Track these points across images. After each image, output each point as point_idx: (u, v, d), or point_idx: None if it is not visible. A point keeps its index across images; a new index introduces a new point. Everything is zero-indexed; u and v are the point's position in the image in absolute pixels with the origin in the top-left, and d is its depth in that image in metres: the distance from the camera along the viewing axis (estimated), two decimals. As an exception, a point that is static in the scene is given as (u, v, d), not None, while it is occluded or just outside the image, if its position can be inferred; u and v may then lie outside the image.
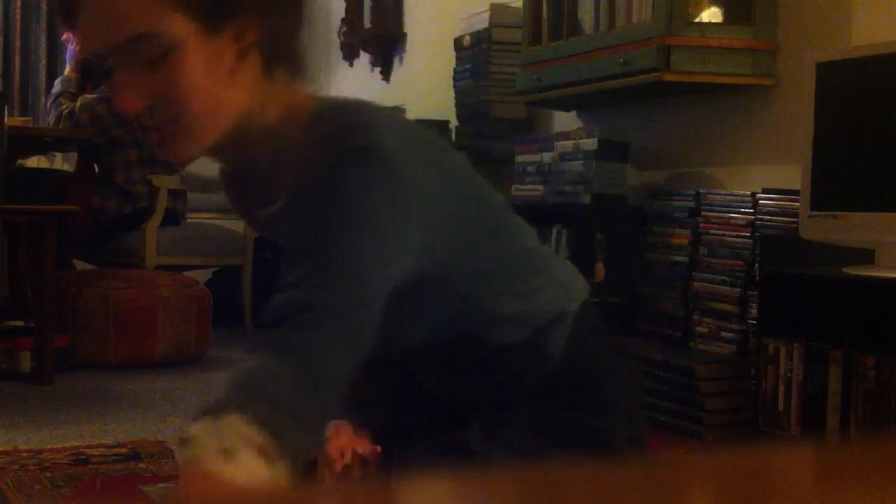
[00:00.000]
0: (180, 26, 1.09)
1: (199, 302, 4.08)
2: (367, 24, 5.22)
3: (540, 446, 1.25)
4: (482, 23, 3.82)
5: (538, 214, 2.87)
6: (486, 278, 1.30)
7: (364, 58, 5.39)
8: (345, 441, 1.31)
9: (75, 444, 2.65)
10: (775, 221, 2.68)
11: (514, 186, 3.48)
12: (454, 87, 4.00)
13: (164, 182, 4.26)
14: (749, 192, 2.79)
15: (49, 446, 2.62)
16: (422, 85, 4.83)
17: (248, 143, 1.19)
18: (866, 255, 2.54)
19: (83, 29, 1.11)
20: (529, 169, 3.43)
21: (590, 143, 3.18)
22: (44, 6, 5.45)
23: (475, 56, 3.88)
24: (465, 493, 0.45)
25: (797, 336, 2.45)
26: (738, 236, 2.78)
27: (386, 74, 5.20)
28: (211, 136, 1.16)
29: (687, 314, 2.91)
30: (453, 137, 4.05)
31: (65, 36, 4.53)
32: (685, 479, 0.47)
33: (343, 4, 5.51)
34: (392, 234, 1.10)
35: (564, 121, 3.76)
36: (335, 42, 5.70)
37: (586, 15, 3.16)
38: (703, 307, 2.86)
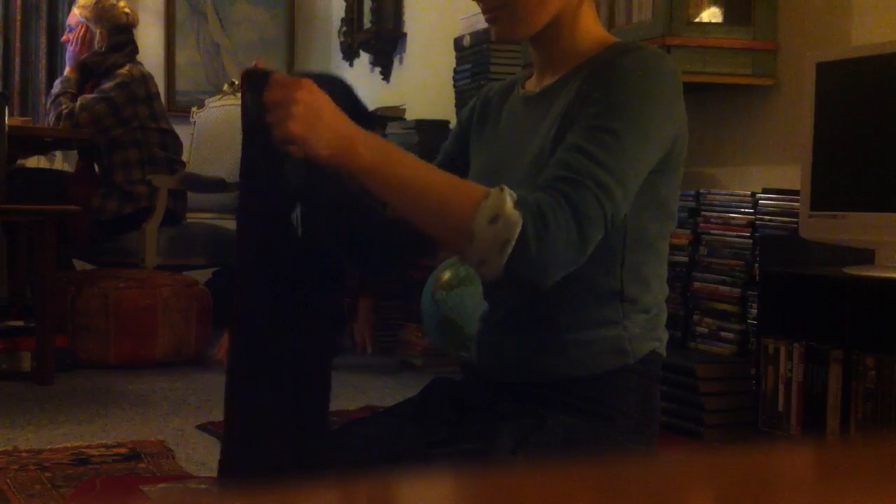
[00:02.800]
0: None
1: (199, 302, 4.08)
2: (367, 24, 5.22)
3: (562, 457, 1.25)
4: (482, 23, 3.80)
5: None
6: (642, 248, 1.34)
7: (364, 58, 5.39)
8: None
9: (75, 444, 2.65)
10: (775, 221, 2.68)
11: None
12: (454, 87, 4.00)
13: (164, 182, 4.26)
14: (749, 192, 2.79)
15: (49, 446, 2.62)
16: (422, 85, 4.83)
17: (559, 42, 1.38)
18: (866, 255, 2.54)
19: None
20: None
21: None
22: (44, 6, 5.45)
23: (475, 56, 3.88)
24: (466, 493, 0.45)
25: (797, 336, 2.45)
26: (738, 236, 2.78)
27: (386, 74, 5.20)
28: (533, 25, 1.35)
29: (687, 314, 2.91)
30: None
31: (64, 37, 4.53)
32: (685, 479, 0.48)
33: (343, 4, 5.51)
34: (660, 120, 1.27)
35: (564, 121, 3.76)
36: (335, 42, 5.70)
37: (586, 15, 3.16)
38: (703, 307, 2.87)
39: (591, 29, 1.39)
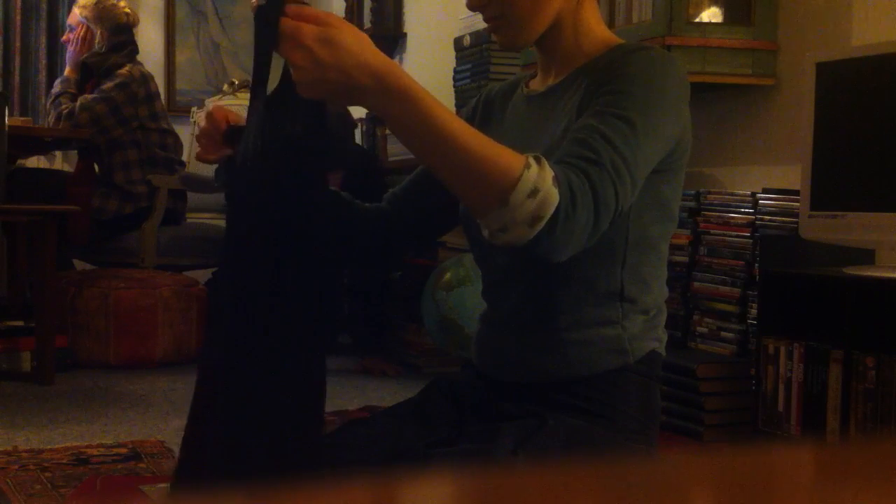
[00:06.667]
0: None
1: (199, 302, 4.09)
2: (367, 24, 5.23)
3: (563, 457, 1.25)
4: (482, 23, 3.81)
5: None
6: (643, 249, 1.33)
7: (364, 58, 5.38)
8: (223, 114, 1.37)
9: (75, 444, 2.65)
10: (775, 221, 2.68)
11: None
12: (454, 87, 4.00)
13: (164, 182, 4.26)
14: (749, 192, 2.79)
15: (49, 446, 2.62)
16: (422, 85, 4.83)
17: (560, 44, 1.38)
18: (866, 255, 2.54)
19: None
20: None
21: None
22: (44, 6, 5.45)
23: (475, 56, 3.88)
24: (467, 493, 0.45)
25: (797, 336, 2.45)
26: (738, 236, 2.78)
27: (386, 74, 5.19)
28: (533, 32, 1.35)
29: (687, 314, 2.91)
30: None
31: (64, 37, 4.53)
32: (685, 479, 0.48)
33: (343, 4, 5.51)
34: (667, 118, 1.27)
35: (564, 121, 3.76)
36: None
37: (586, 15, 3.16)
38: (703, 307, 2.87)
39: (594, 29, 1.39)
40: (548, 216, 1.11)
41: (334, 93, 1.10)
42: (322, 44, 1.07)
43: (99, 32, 4.30)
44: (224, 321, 1.26)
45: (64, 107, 4.19)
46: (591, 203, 1.14)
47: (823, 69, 2.44)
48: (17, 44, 5.38)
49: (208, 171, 4.60)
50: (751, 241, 2.73)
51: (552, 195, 1.11)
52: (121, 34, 4.30)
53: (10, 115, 4.89)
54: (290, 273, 1.21)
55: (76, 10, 4.37)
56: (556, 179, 1.12)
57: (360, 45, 1.09)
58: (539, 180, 1.10)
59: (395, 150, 4.37)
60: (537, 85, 1.44)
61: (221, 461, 1.25)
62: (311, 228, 1.22)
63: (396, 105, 1.11)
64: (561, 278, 1.31)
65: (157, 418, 3.01)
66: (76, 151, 4.52)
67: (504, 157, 1.12)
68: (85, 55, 4.29)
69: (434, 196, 1.44)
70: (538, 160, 1.12)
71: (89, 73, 4.26)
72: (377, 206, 1.50)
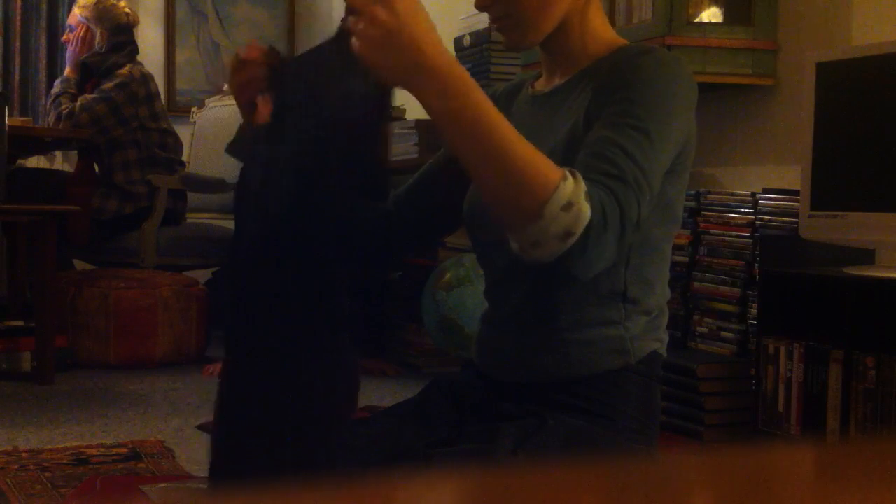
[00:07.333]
0: None
1: (199, 302, 4.08)
2: (367, 24, 5.22)
3: (563, 458, 1.25)
4: (482, 23, 3.82)
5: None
6: (647, 250, 1.34)
7: (364, 58, 5.38)
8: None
9: (75, 444, 2.65)
10: (775, 221, 2.68)
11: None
12: (454, 87, 4.00)
13: (164, 182, 4.26)
14: (749, 192, 2.79)
15: (49, 446, 2.62)
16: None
17: (566, 45, 1.38)
18: (866, 255, 2.54)
19: None
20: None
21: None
22: (44, 6, 5.45)
23: (475, 56, 3.88)
24: (467, 493, 0.45)
25: (797, 336, 2.45)
26: (738, 236, 2.78)
27: (386, 74, 5.19)
28: (540, 33, 1.35)
29: (687, 314, 2.91)
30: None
31: (65, 37, 4.53)
32: (685, 479, 0.48)
33: (343, 4, 5.51)
34: (677, 123, 1.27)
35: (564, 121, 3.76)
36: (335, 42, 5.70)
37: (586, 15, 3.16)
38: (703, 307, 2.87)
39: (599, 30, 1.39)
40: (579, 232, 1.11)
41: (398, 64, 1.09)
42: (413, 9, 1.08)
43: (99, 32, 4.30)
44: (224, 321, 1.26)
45: (64, 107, 4.18)
46: (618, 220, 1.15)
47: (823, 69, 2.44)
48: (17, 44, 5.37)
49: (208, 171, 4.61)
50: (751, 241, 2.73)
51: (585, 210, 1.11)
52: (121, 34, 4.30)
53: (10, 115, 4.89)
54: (290, 273, 1.21)
55: (76, 10, 4.37)
56: (588, 196, 1.12)
57: (433, 25, 1.10)
58: (573, 194, 1.11)
59: (397, 150, 4.37)
60: (542, 85, 1.44)
61: (222, 461, 1.25)
62: (312, 228, 1.22)
63: (459, 96, 1.11)
64: (563, 279, 1.31)
65: (157, 418, 3.01)
66: (76, 151, 4.51)
67: (545, 166, 1.12)
68: (85, 55, 4.29)
69: (438, 197, 1.44)
70: (573, 174, 1.12)
71: (89, 73, 4.26)
72: (379, 206, 1.50)
